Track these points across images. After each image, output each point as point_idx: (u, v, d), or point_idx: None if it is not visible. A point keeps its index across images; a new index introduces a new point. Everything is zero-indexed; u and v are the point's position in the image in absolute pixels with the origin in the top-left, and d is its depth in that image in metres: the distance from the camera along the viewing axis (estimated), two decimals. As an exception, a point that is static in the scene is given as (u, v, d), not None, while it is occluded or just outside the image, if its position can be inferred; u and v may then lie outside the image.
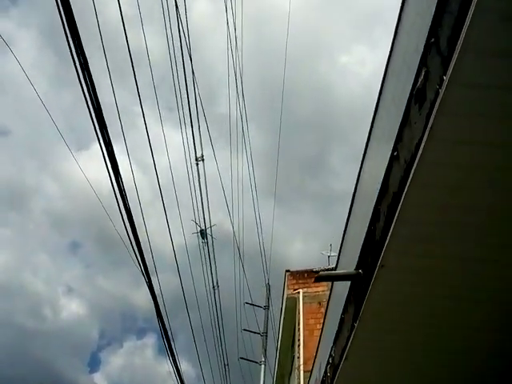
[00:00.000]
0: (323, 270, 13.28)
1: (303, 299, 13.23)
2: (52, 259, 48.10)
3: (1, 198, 43.07)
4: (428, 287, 3.52)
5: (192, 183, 10.66)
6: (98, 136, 4.92)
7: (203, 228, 12.10)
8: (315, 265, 14.52)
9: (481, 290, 3.49)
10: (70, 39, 4.36)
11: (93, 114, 4.71)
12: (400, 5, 4.29)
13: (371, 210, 3.77)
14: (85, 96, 4.60)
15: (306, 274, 13.93)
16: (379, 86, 5.11)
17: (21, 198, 43.53)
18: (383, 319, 3.90)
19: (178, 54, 8.13)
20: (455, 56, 2.36)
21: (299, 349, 12.58)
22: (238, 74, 11.47)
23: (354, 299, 4.05)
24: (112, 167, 5.23)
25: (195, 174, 10.72)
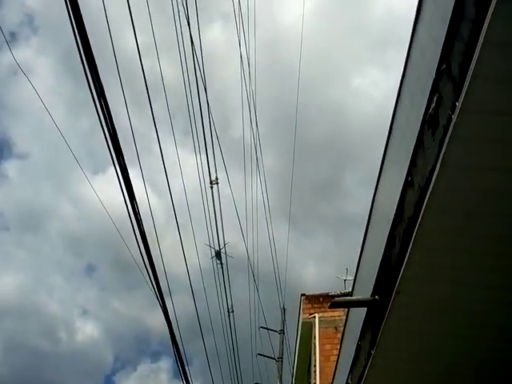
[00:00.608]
0: (339, 295, 13.13)
1: (319, 324, 13.05)
2: (67, 281, 48.31)
3: (17, 220, 43.59)
4: (445, 314, 3.46)
5: (206, 206, 10.68)
6: (113, 162, 4.97)
7: (218, 249, 12.07)
8: (330, 288, 14.36)
9: (499, 316, 3.42)
10: (86, 67, 4.45)
11: (109, 141, 4.78)
12: (412, 28, 4.33)
13: (386, 235, 3.75)
14: (101, 123, 4.67)
15: (321, 298, 13.76)
16: (393, 108, 5.13)
17: (37, 221, 44.00)
18: (400, 346, 3.84)
19: (192, 78, 8.25)
20: (467, 82, 2.37)
21: (315, 375, 12.37)
22: (251, 98, 11.59)
23: (371, 325, 4.00)
24: (127, 192, 5.28)
25: (209, 198, 10.75)
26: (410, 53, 4.44)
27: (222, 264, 12.42)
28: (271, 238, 18.21)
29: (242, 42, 10.16)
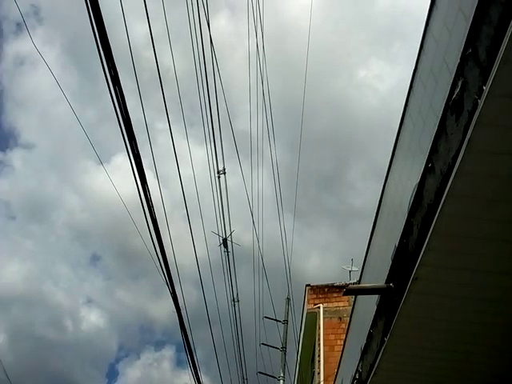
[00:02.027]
0: (344, 285, 13.16)
1: (323, 314, 13.12)
2: (73, 271, 48.50)
3: (23, 210, 43.70)
4: (463, 301, 3.46)
5: (214, 195, 10.68)
6: (126, 147, 4.97)
7: (225, 237, 12.12)
8: (334, 279, 14.42)
9: (516, 305, 3.42)
10: (102, 53, 4.44)
11: (122, 126, 4.77)
12: (426, 17, 4.30)
13: (402, 223, 3.74)
14: (115, 108, 4.66)
15: (326, 289, 13.83)
16: (404, 99, 5.11)
17: (43, 210, 44.11)
18: (415, 333, 3.84)
19: (200, 70, 8.21)
20: (495, 66, 2.35)
21: (319, 364, 12.44)
22: (260, 90, 11.55)
23: (385, 313, 4.00)
24: (140, 178, 5.28)
25: (216, 188, 10.74)
26: (424, 44, 4.42)
27: (227, 252, 12.44)
28: (282, 227, 18.21)
29: (252, 32, 10.09)
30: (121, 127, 4.80)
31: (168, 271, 6.12)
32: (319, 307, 13.34)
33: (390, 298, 3.87)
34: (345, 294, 4.15)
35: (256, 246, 14.11)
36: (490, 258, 3.13)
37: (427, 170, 3.14)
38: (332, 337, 12.91)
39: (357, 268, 13.45)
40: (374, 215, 6.36)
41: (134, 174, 5.16)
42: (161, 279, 6.31)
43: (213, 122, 8.97)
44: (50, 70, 5.33)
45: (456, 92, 2.77)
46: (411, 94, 4.90)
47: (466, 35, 2.71)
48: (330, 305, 13.42)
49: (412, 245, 3.39)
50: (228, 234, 12.02)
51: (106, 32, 4.39)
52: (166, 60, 8.02)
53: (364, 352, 4.78)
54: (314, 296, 13.79)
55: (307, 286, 14.20)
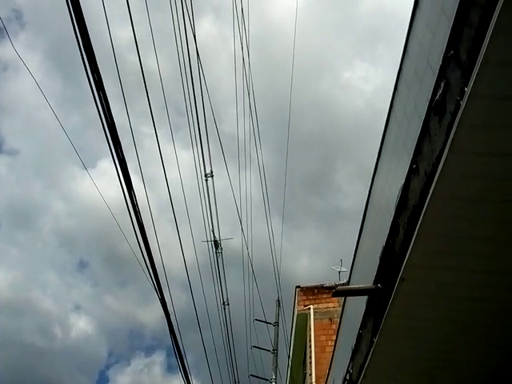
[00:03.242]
0: (334, 286, 13.19)
1: (314, 315, 13.12)
2: (60, 277, 48.08)
3: (9, 217, 43.23)
4: (449, 300, 3.48)
5: (202, 199, 10.65)
6: (111, 152, 4.93)
7: (216, 238, 12.09)
8: (323, 280, 14.44)
9: (503, 303, 3.44)
10: (85, 57, 4.41)
11: (107, 131, 4.74)
12: (410, 19, 4.33)
13: (388, 224, 3.76)
14: (99, 113, 4.63)
15: (316, 290, 13.83)
16: (389, 100, 5.14)
17: (28, 217, 43.68)
18: (403, 334, 3.86)
19: (185, 72, 8.19)
20: (476, 68, 2.37)
21: (311, 366, 12.44)
22: (246, 92, 11.55)
23: (373, 314, 4.01)
24: (125, 183, 5.24)
25: (203, 191, 10.72)
26: (408, 44, 4.45)
27: (220, 253, 12.41)
28: (269, 229, 18.24)
29: (237, 35, 10.08)
30: (105, 132, 4.77)
31: (156, 276, 6.08)
32: (309, 308, 13.34)
33: (378, 298, 3.88)
34: (334, 296, 4.16)
35: (245, 249, 14.10)
36: (476, 257, 3.15)
37: (411, 171, 3.16)
38: (323, 338, 12.91)
39: (346, 269, 13.49)
40: (362, 216, 6.38)
41: (120, 179, 5.12)
42: (149, 284, 6.28)
43: (199, 124, 8.95)
44: (32, 75, 5.28)
45: (439, 93, 2.79)
46: (396, 95, 4.93)
47: (448, 36, 2.73)
48: (321, 306, 13.42)
49: (398, 246, 3.40)
50: (218, 236, 12.00)
51: (88, 36, 4.35)
52: (150, 63, 8.00)
53: (354, 352, 4.79)
54: (304, 297, 13.79)
55: (297, 287, 14.20)
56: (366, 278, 5.67)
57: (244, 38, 9.94)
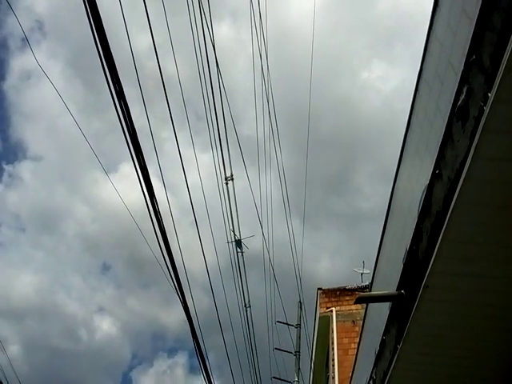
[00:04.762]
0: (356, 288, 13.11)
1: (336, 318, 13.06)
2: (84, 281, 48.74)
3: (33, 222, 43.99)
4: (474, 308, 3.43)
5: (223, 201, 10.70)
6: (133, 160, 4.98)
7: (238, 238, 12.12)
8: (345, 282, 14.35)
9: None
10: (105, 67, 4.46)
11: (129, 140, 4.79)
12: (430, 19, 4.28)
13: (411, 230, 3.71)
14: (121, 122, 4.68)
15: (338, 292, 13.77)
16: (410, 100, 5.08)
17: (52, 222, 44.37)
18: (427, 341, 3.81)
19: (204, 76, 8.23)
20: (500, 73, 2.32)
21: (334, 368, 12.38)
22: (264, 94, 11.55)
23: (397, 320, 3.97)
24: (147, 190, 5.29)
25: (224, 193, 10.76)
26: (428, 46, 4.39)
27: (242, 252, 12.43)
28: (290, 230, 18.20)
29: (254, 38, 10.10)
30: (127, 141, 4.82)
31: (178, 281, 6.12)
32: (332, 311, 13.28)
33: (401, 305, 3.84)
34: (356, 303, 4.13)
35: (266, 251, 14.09)
36: (501, 263, 3.10)
37: (435, 177, 3.12)
38: (346, 340, 12.83)
39: (368, 270, 13.40)
40: (384, 220, 6.32)
41: (142, 187, 5.17)
42: (171, 286, 6.31)
43: (219, 128, 8.99)
44: (52, 82, 5.40)
45: (461, 98, 2.74)
46: (417, 96, 4.87)
47: (470, 40, 2.69)
48: (343, 308, 13.35)
49: (422, 252, 3.36)
50: (240, 235, 12.04)
51: (109, 47, 4.41)
52: (169, 67, 8.06)
53: (377, 359, 4.75)
54: (326, 299, 13.73)
55: (319, 289, 14.15)
56: (389, 282, 5.61)
57: (261, 41, 9.95)
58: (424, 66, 4.60)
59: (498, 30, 2.35)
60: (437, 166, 3.09)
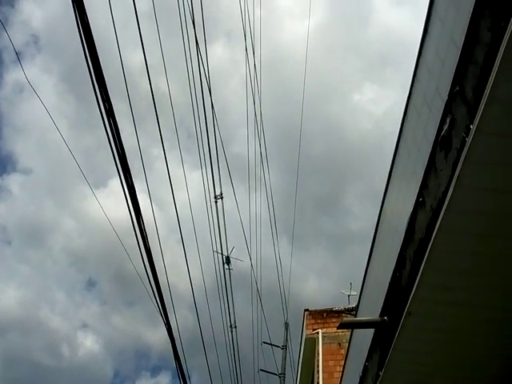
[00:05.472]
0: (343, 310, 13.04)
1: (322, 340, 12.94)
2: (69, 296, 48.08)
3: (20, 235, 43.49)
4: (456, 335, 3.42)
5: (211, 220, 10.67)
6: (121, 180, 4.97)
7: (226, 255, 12.08)
8: (331, 303, 14.28)
9: (510, 338, 3.38)
10: (96, 86, 4.47)
11: (117, 160, 4.78)
12: (419, 45, 4.34)
13: (395, 255, 3.72)
14: (109, 141, 4.67)
15: (325, 314, 13.67)
16: (399, 124, 5.12)
17: (39, 235, 43.92)
18: (409, 368, 3.79)
19: (197, 96, 8.28)
20: (482, 105, 2.36)
21: (319, 391, 12.24)
22: (256, 114, 11.63)
23: (379, 347, 3.95)
24: (134, 209, 5.27)
25: (212, 212, 10.74)
26: (417, 72, 4.44)
27: (230, 269, 12.36)
28: (277, 250, 18.14)
29: (247, 59, 10.21)
30: (115, 159, 4.81)
31: (162, 301, 6.06)
32: (318, 332, 13.17)
33: (384, 331, 3.83)
34: (339, 328, 4.12)
35: (252, 271, 14.02)
36: (482, 292, 3.10)
37: (418, 205, 3.14)
38: (331, 363, 12.70)
39: (355, 292, 13.33)
40: (371, 242, 6.32)
41: (128, 206, 5.15)
42: (154, 306, 6.24)
43: (210, 147, 9.02)
44: (40, 99, 5.37)
45: (445, 128, 2.78)
46: (405, 120, 4.91)
47: (454, 72, 2.73)
48: (329, 330, 13.24)
49: (405, 279, 3.36)
50: (228, 252, 11.99)
51: (100, 66, 4.42)
52: (161, 86, 8.09)
53: (360, 384, 4.71)
54: (313, 321, 13.62)
55: (306, 310, 14.04)
56: (374, 306, 5.59)
57: (252, 61, 10.05)
58: (413, 91, 4.64)
59: (481, 64, 2.39)
60: (420, 194, 3.11)
